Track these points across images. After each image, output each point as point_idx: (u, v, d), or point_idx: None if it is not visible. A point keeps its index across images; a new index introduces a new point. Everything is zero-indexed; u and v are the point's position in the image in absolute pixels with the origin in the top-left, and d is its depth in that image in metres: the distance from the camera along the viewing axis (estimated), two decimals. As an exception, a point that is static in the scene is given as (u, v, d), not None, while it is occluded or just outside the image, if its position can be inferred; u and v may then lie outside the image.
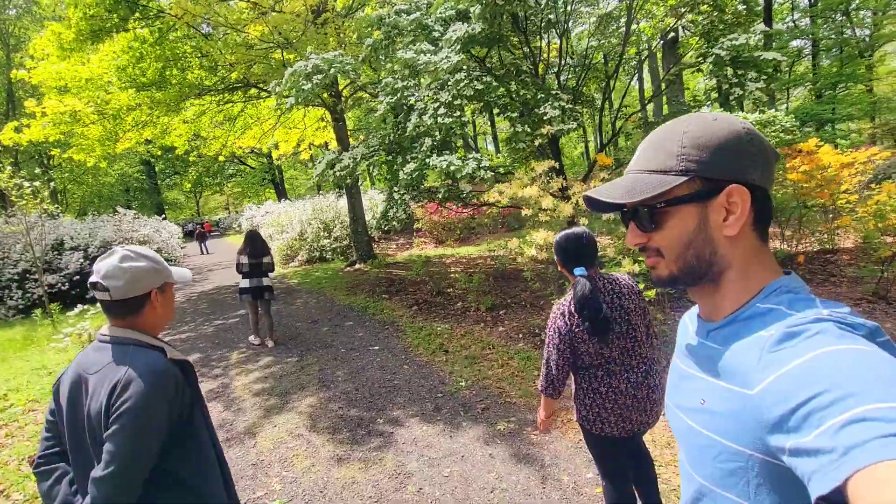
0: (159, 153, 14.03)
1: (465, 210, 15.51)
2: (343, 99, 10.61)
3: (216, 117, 12.40)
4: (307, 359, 5.29)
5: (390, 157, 6.22)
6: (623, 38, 6.52)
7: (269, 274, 6.22)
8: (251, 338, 6.13)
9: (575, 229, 1.87)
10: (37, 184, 9.69)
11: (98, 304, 1.31)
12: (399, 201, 6.04)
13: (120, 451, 1.11)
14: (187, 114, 11.56)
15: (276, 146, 15.83)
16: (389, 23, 5.56)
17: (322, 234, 14.34)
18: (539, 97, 5.25)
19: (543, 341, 1.98)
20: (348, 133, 11.27)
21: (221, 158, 14.78)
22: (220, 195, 49.67)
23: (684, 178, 0.63)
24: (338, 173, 6.21)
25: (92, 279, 1.25)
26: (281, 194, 33.40)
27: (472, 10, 5.28)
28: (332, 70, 5.19)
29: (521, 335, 5.21)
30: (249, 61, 9.15)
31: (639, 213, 0.69)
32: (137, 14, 8.44)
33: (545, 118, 5.03)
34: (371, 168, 6.10)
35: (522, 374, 4.22)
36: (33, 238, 10.75)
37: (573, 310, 1.73)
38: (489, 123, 26.79)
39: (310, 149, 16.54)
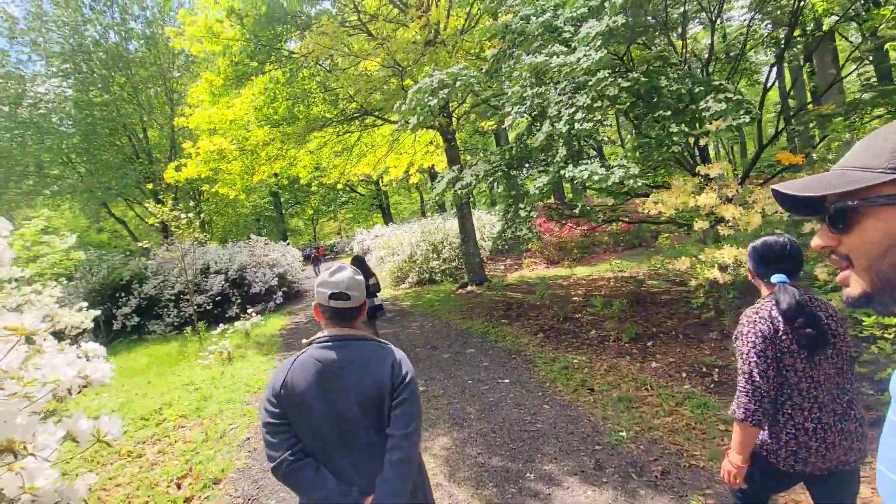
0: (286, 184, 15.36)
1: (580, 227, 14.62)
2: (454, 119, 10.54)
3: (335, 147, 13.17)
4: (432, 389, 4.94)
5: (514, 172, 5.79)
6: (792, 15, 5.42)
7: (377, 294, 6.33)
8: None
9: (777, 236, 1.66)
10: (190, 215, 10.97)
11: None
12: (525, 218, 5.54)
13: (417, 411, 1.45)
14: (311, 146, 12.41)
15: (388, 171, 16.42)
16: (515, 29, 5.19)
17: (431, 255, 14.37)
18: (697, 91, 4.45)
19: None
20: (459, 153, 11.17)
21: (339, 186, 15.73)
22: (334, 221, 53.87)
23: (891, 177, 0.54)
24: (459, 191, 5.92)
25: (335, 290, 1.45)
26: (388, 218, 34.99)
27: (607, 3, 4.71)
28: (458, 83, 4.94)
29: (683, 374, 4.32)
30: (369, 90, 9.50)
31: (833, 211, 0.61)
32: (273, 58, 9.23)
33: (706, 114, 4.21)
34: (495, 184, 5.69)
35: (701, 426, 3.38)
36: (187, 263, 12.17)
37: (783, 316, 1.50)
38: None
39: (418, 173, 16.90)
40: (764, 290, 1.64)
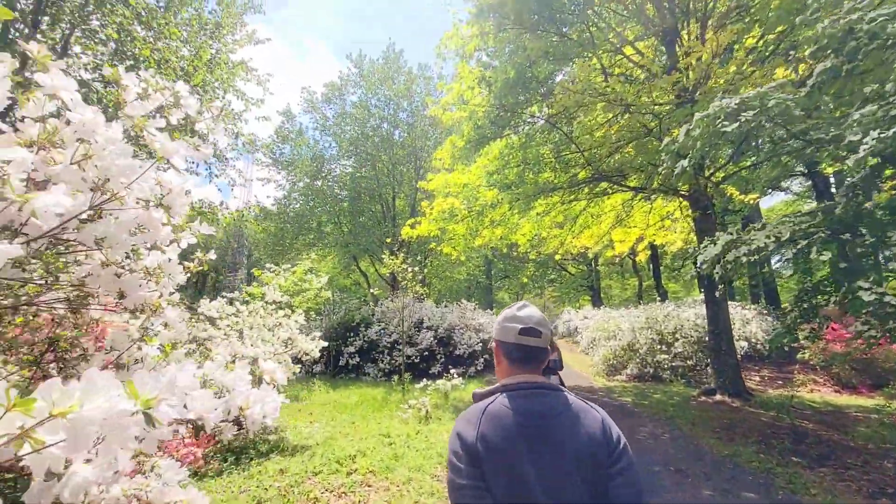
0: (504, 252, 15.46)
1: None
2: (709, 181, 8.68)
3: (557, 218, 12.58)
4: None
5: (844, 237, 3.86)
6: None
7: (558, 372, 4.81)
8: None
9: None
10: (416, 269, 11.67)
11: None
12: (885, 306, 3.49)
13: (640, 484, 1.17)
14: (532, 213, 12.11)
15: (611, 246, 14.94)
16: (866, 31, 3.60)
17: (657, 347, 11.93)
18: None
19: None
20: (715, 226, 9.09)
21: (558, 257, 14.98)
22: (540, 298, 53.39)
23: None
24: (743, 258, 4.26)
25: (525, 325, 1.30)
26: (597, 301, 32.39)
27: None
28: (772, 103, 3.55)
29: None
30: (609, 151, 8.67)
31: None
32: (512, 122, 9.35)
33: None
34: (811, 252, 3.85)
35: None
36: (405, 315, 12.87)
37: None
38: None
39: (647, 250, 14.87)
40: None
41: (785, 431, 5.92)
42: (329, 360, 13.76)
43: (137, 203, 1.28)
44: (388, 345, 13.26)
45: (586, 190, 11.03)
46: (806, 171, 17.33)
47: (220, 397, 1.44)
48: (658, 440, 5.83)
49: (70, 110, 1.20)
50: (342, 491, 4.29)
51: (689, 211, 12.09)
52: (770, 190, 18.92)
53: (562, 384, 5.04)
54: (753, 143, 5.94)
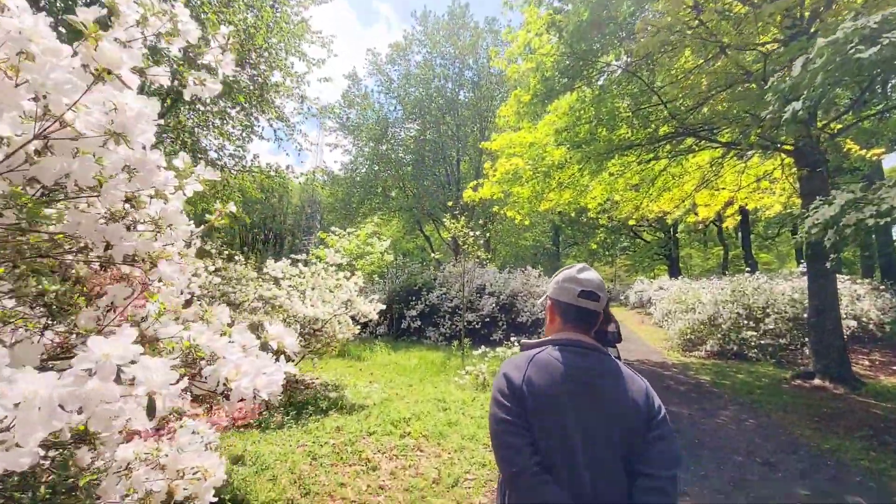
0: (572, 216, 14.61)
1: None
2: (822, 131, 7.34)
3: (632, 179, 11.52)
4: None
5: None
6: None
7: (615, 345, 4.37)
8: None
9: None
10: (478, 233, 11.32)
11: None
12: None
13: (677, 455, 1.18)
14: (605, 175, 11.18)
15: (694, 211, 13.56)
16: None
17: (744, 322, 10.78)
18: None
19: None
20: (827, 184, 7.75)
21: (632, 222, 13.90)
22: (610, 267, 51.13)
23: None
24: (870, 220, 3.45)
25: (586, 288, 1.31)
26: (675, 271, 30.24)
27: None
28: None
29: None
30: (697, 101, 7.59)
31: None
32: (585, 72, 8.46)
33: None
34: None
35: None
36: (466, 280, 12.67)
37: None
38: None
39: (737, 215, 13.34)
40: None
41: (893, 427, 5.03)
42: (392, 323, 14.04)
43: (92, 132, 1.05)
44: (450, 309, 13.22)
45: (668, 147, 9.90)
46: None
47: (211, 364, 1.25)
48: (741, 426, 5.19)
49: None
50: (394, 453, 4.23)
51: (794, 169, 10.57)
52: (898, 145, 16.10)
53: (618, 358, 4.78)
54: (890, 81, 4.83)
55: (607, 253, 43.93)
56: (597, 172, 10.36)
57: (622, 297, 29.66)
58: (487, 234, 16.51)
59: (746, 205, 12.62)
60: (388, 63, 22.87)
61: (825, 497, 3.42)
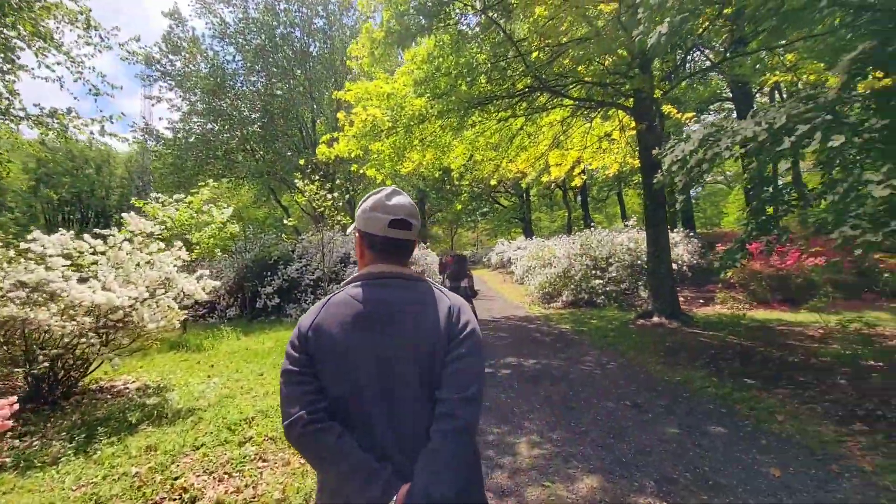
0: (437, 176, 14.24)
1: (807, 259, 10.56)
2: (655, 87, 7.88)
3: (492, 139, 11.48)
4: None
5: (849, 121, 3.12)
6: None
7: (471, 298, 5.25)
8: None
9: None
10: (335, 194, 10.20)
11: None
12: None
13: (478, 369, 1.10)
14: (467, 133, 10.92)
15: (548, 171, 14.25)
16: None
17: (591, 272, 11.74)
18: None
19: None
20: (663, 134, 8.44)
21: (493, 182, 14.06)
22: (473, 232, 53.71)
23: None
24: (725, 152, 3.44)
25: (396, 216, 1.17)
26: (529, 233, 32.74)
27: None
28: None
29: None
30: (559, 51, 7.49)
31: None
32: (443, 13, 7.79)
33: None
34: (816, 141, 3.06)
35: None
36: (327, 250, 11.54)
37: None
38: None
39: (583, 174, 14.37)
40: None
41: (729, 351, 5.66)
42: (245, 303, 12.28)
43: None
44: (311, 283, 11.99)
45: (524, 105, 9.92)
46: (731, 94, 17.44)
47: None
48: (605, 370, 5.32)
49: None
50: (227, 471, 3.25)
51: (633, 124, 11.54)
52: (701, 112, 19.05)
53: (474, 311, 4.82)
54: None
55: (469, 219, 45.94)
56: (458, 130, 9.99)
57: (485, 259, 31.19)
58: (348, 196, 15.33)
59: (591, 164, 13.62)
60: (221, 2, 19.45)
61: (692, 432, 3.46)
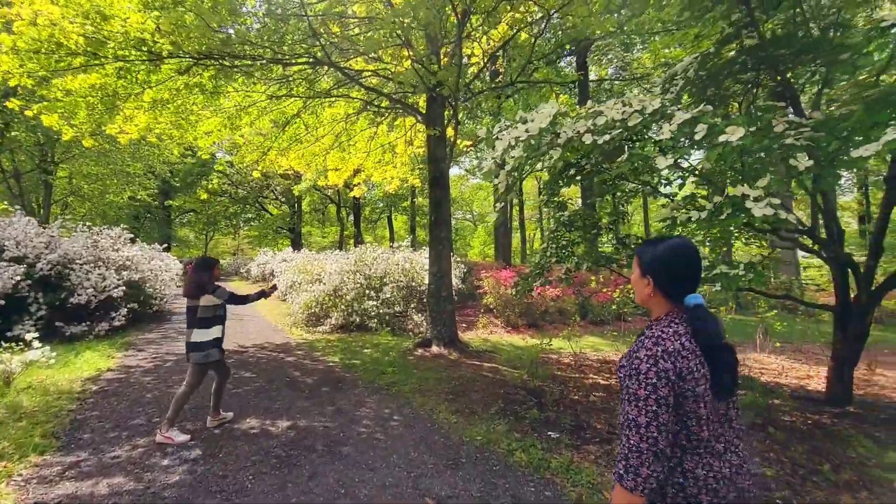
0: (177, 155, 10.72)
1: (555, 289, 11.76)
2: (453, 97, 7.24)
3: (260, 121, 9.16)
4: None
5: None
6: None
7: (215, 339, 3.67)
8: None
9: (688, 241, 1.27)
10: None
11: None
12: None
13: None
14: (226, 104, 8.37)
15: (325, 175, 12.53)
16: None
17: (366, 293, 10.46)
18: None
19: None
20: (454, 149, 7.79)
21: (256, 174, 11.41)
22: (233, 239, 46.90)
23: None
24: (587, 136, 2.49)
25: None
26: (297, 246, 30.01)
27: None
28: None
29: None
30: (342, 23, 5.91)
31: None
32: None
33: None
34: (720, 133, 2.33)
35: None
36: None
37: (711, 351, 1.15)
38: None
39: (363, 186, 13.21)
40: (659, 312, 1.26)
41: (520, 392, 4.99)
42: None
43: None
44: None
45: (304, 86, 8.06)
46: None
47: None
48: (389, 431, 3.86)
49: None
50: None
51: (419, 140, 10.92)
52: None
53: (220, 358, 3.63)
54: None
55: (231, 224, 39.90)
56: (213, 96, 7.38)
57: (243, 271, 26.80)
58: (47, 177, 10.19)
59: (372, 175, 12.56)
60: None
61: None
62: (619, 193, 4.97)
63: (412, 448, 3.48)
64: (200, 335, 3.55)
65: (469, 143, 12.89)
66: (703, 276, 3.05)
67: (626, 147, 2.53)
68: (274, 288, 3.92)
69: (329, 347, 7.71)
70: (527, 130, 2.62)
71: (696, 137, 2.28)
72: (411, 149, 11.56)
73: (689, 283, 1.24)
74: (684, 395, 1.13)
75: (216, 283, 3.69)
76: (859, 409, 4.86)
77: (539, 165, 2.92)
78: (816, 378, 6.80)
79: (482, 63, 8.12)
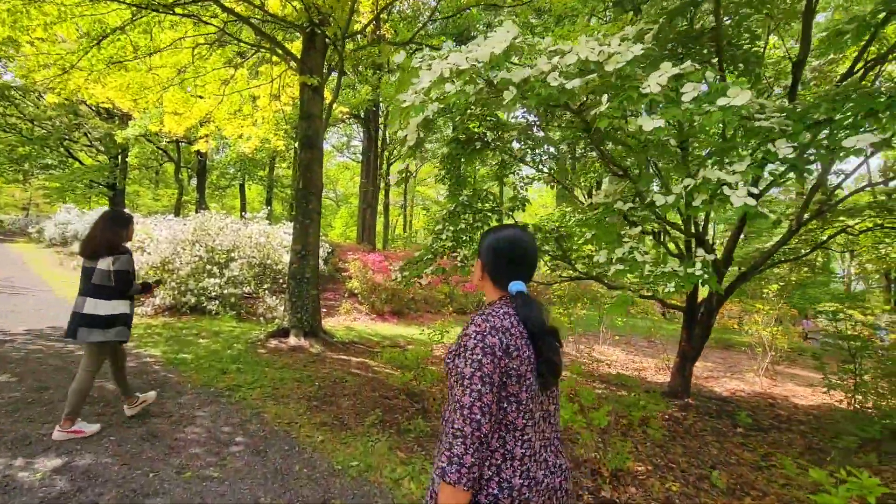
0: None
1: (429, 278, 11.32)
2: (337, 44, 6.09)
3: (62, 26, 6.70)
4: None
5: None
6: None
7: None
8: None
9: (523, 230, 1.29)
10: None
11: None
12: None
13: None
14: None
15: (163, 120, 10.02)
16: None
17: (207, 268, 8.60)
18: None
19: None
20: (325, 111, 6.58)
21: (51, 98, 8.33)
22: (23, 190, 36.74)
23: None
24: (553, 74, 1.82)
25: None
26: (119, 206, 24.63)
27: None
28: None
29: None
30: None
31: None
32: None
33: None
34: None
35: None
36: None
37: (535, 335, 1.14)
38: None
39: (214, 141, 10.98)
40: (492, 297, 1.26)
41: (398, 396, 4.24)
42: None
43: None
44: None
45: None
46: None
47: None
48: (226, 461, 2.76)
49: None
50: None
51: (288, 95, 9.38)
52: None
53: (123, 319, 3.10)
54: None
55: (18, 168, 31.01)
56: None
57: (33, 230, 20.76)
58: None
59: (225, 130, 10.46)
60: None
61: None
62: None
63: (262, 488, 2.48)
64: (100, 307, 2.95)
65: (346, 109, 11.59)
66: (652, 274, 2.67)
67: (606, 97, 1.95)
68: (158, 283, 3.13)
69: (149, 335, 5.96)
70: (475, 58, 1.86)
71: (686, 98, 1.81)
72: (278, 104, 9.86)
73: (516, 271, 1.22)
74: (508, 373, 1.09)
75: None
76: (696, 400, 5.32)
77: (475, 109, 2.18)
78: (651, 369, 7.52)
79: None
